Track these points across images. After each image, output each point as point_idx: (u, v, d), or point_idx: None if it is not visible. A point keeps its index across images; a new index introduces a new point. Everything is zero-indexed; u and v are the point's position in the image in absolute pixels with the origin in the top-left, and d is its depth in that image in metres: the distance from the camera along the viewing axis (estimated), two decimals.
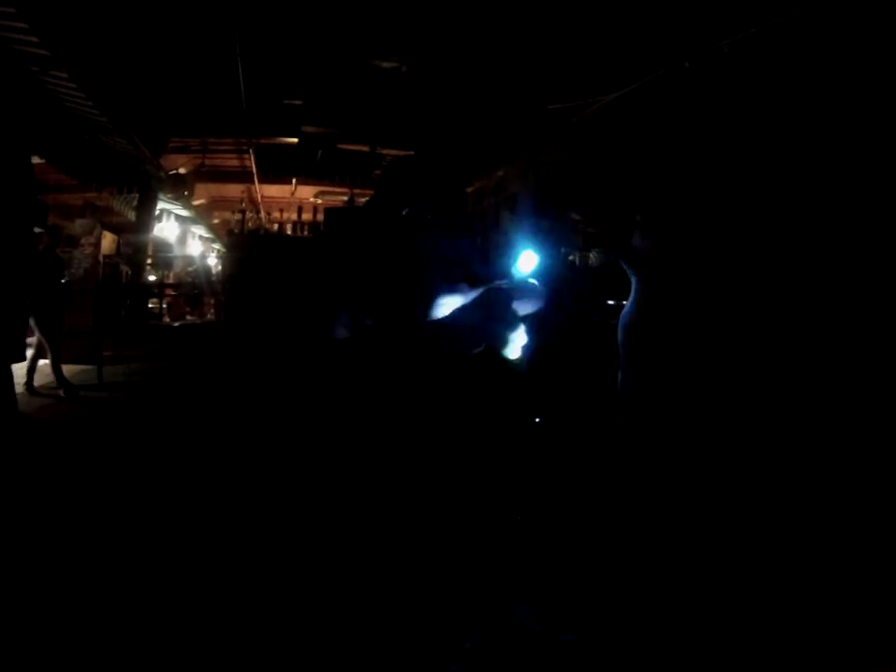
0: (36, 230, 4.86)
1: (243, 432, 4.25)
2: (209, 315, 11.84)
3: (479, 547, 2.43)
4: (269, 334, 5.85)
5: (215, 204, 13.55)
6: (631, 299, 2.56)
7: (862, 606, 1.96)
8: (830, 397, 2.97)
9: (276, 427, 4.27)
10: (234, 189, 12.15)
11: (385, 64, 7.32)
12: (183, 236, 13.33)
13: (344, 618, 1.98)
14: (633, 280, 2.55)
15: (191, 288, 12.12)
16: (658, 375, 2.41)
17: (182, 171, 10.53)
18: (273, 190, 12.15)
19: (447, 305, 2.82)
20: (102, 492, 3.11)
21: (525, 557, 2.35)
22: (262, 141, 9.60)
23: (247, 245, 8.44)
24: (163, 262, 12.27)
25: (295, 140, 9.69)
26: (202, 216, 13.66)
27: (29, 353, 5.50)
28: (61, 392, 5.35)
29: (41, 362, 5.60)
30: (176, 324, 10.46)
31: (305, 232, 12.93)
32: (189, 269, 13.28)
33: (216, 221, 15.11)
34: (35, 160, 6.16)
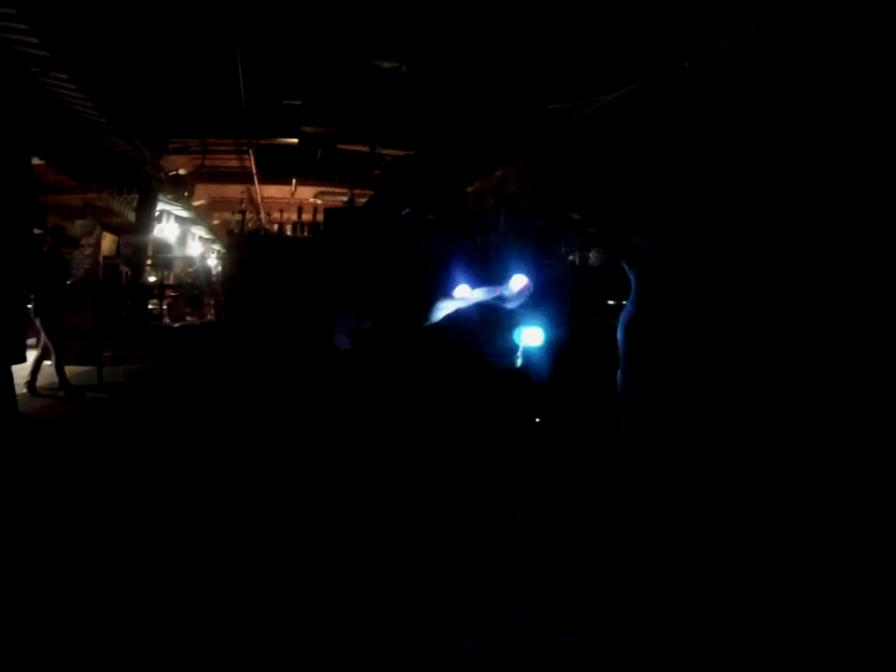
0: (37, 231, 4.87)
1: (243, 432, 4.25)
2: (209, 316, 11.85)
3: (479, 547, 2.43)
4: (269, 335, 5.85)
5: (215, 205, 13.56)
6: (630, 298, 2.56)
7: (863, 606, 1.96)
8: (829, 395, 2.97)
9: (276, 426, 4.28)
10: (234, 190, 12.16)
11: (385, 64, 7.32)
12: (183, 237, 13.34)
13: (345, 617, 1.99)
14: (632, 280, 2.55)
15: (191, 289, 12.14)
16: (657, 374, 2.41)
17: (182, 171, 10.54)
18: (273, 191, 12.15)
19: (445, 309, 2.83)
20: (101, 493, 3.11)
21: (524, 557, 2.35)
22: (262, 141, 9.61)
23: (247, 245, 8.43)
24: (163, 263, 12.28)
25: (295, 140, 9.69)
26: (201, 216, 13.67)
27: (33, 354, 5.53)
28: (62, 393, 5.35)
29: (43, 362, 5.62)
30: (176, 325, 10.48)
31: (305, 233, 12.93)
32: (189, 270, 13.30)
33: (215, 222, 15.13)
34: (35, 161, 6.17)
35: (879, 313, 3.00)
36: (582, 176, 7.05)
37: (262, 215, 14.20)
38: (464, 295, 3.03)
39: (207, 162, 10.40)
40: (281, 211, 13.92)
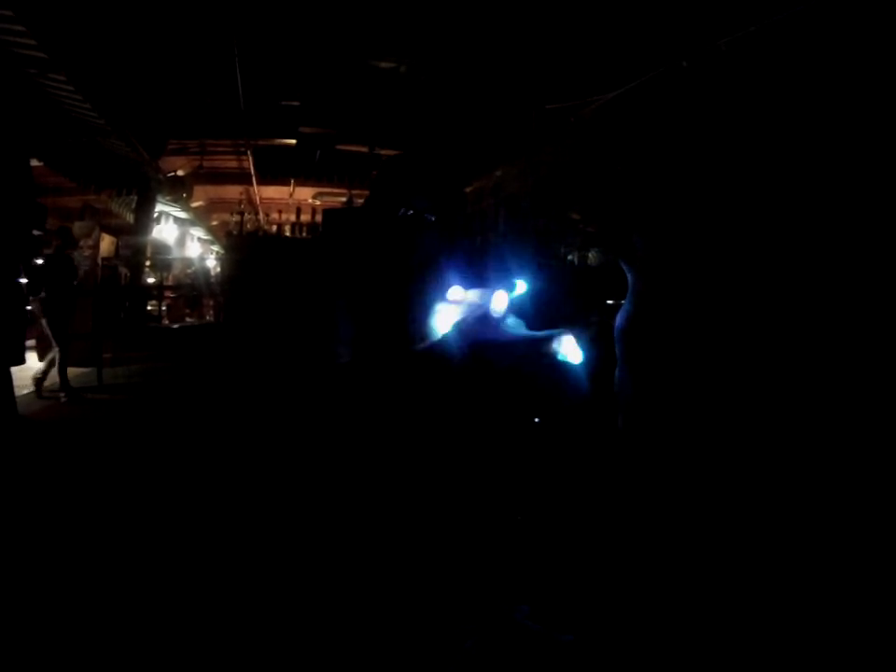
0: (36, 232, 4.86)
1: (242, 433, 4.25)
2: (208, 317, 11.85)
3: (479, 547, 2.43)
4: (268, 336, 5.85)
5: (213, 206, 13.56)
6: (629, 298, 2.56)
7: (864, 606, 1.96)
8: (828, 394, 2.97)
9: (276, 428, 4.28)
10: (233, 191, 12.15)
11: (383, 65, 7.32)
12: (182, 238, 13.34)
13: (346, 617, 1.99)
14: (630, 279, 2.56)
15: (190, 290, 12.13)
16: (656, 374, 2.41)
17: (180, 173, 10.54)
18: (272, 192, 12.15)
19: (442, 313, 2.83)
20: (101, 493, 3.11)
21: (524, 557, 2.35)
22: (260, 142, 9.61)
23: (246, 246, 8.42)
24: (162, 264, 12.27)
25: (293, 141, 9.69)
26: (200, 217, 13.66)
27: (39, 356, 5.52)
28: (62, 395, 5.35)
29: (42, 364, 5.61)
30: (176, 326, 10.47)
31: (304, 234, 12.93)
32: (188, 271, 13.29)
33: (214, 223, 15.13)
34: (34, 162, 6.17)
35: (878, 312, 3.00)
36: (581, 176, 7.06)
37: (261, 215, 14.20)
38: (457, 297, 3.03)
39: (206, 163, 10.40)
40: (280, 212, 13.93)
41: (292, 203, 12.69)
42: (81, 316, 6.98)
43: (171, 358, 7.87)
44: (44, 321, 5.35)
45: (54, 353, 5.47)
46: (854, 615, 1.90)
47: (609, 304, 5.16)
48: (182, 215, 12.35)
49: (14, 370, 3.95)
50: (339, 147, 9.85)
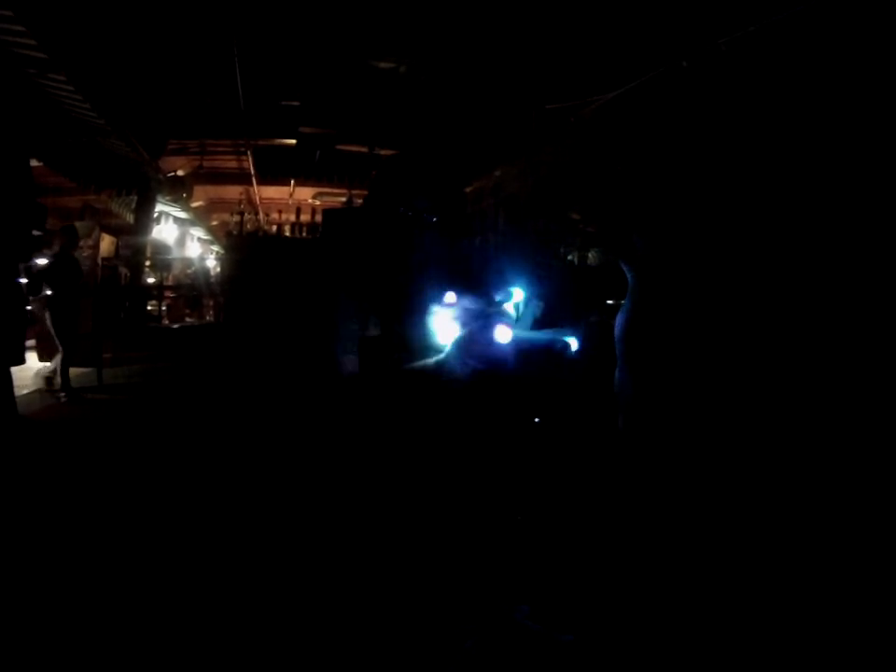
0: (36, 232, 4.85)
1: (242, 433, 4.25)
2: (208, 317, 11.85)
3: (479, 547, 2.43)
4: (268, 335, 5.85)
5: (213, 206, 13.56)
6: (628, 298, 2.56)
7: (864, 606, 1.96)
8: (826, 394, 2.97)
9: (276, 428, 4.28)
10: (233, 191, 12.15)
11: (383, 65, 7.32)
12: (182, 238, 13.34)
13: (346, 617, 1.99)
14: (630, 279, 2.56)
15: (190, 290, 12.13)
16: (655, 373, 2.41)
17: (180, 173, 10.53)
18: (272, 192, 12.15)
19: (439, 316, 2.85)
20: (100, 494, 3.11)
21: (525, 557, 2.35)
22: (260, 142, 9.61)
23: (246, 246, 8.42)
24: (162, 264, 12.27)
25: (293, 141, 9.69)
26: (200, 217, 13.66)
27: (42, 358, 5.51)
28: (63, 395, 5.34)
29: (41, 364, 5.61)
30: (176, 326, 10.47)
31: (304, 234, 12.93)
32: (188, 271, 13.29)
33: (214, 223, 15.12)
34: (34, 162, 6.16)
35: (876, 312, 3.00)
36: (581, 176, 7.06)
37: (261, 216, 14.20)
38: (453, 302, 3.05)
39: (206, 163, 10.40)
40: (279, 212, 13.92)
41: (292, 203, 12.69)
42: (81, 316, 6.98)
43: (171, 358, 7.87)
44: (49, 321, 5.35)
45: (60, 355, 5.49)
46: (854, 615, 1.90)
47: (608, 304, 5.16)
48: (182, 215, 12.35)
49: (14, 370, 3.95)
50: (339, 147, 9.84)
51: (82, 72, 5.29)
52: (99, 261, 8.19)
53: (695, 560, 2.20)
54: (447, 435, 3.08)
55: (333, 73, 7.46)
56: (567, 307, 4.20)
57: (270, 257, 7.08)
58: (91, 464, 3.60)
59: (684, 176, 2.77)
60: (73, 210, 10.45)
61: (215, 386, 6.14)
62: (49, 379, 5.48)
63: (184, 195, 10.85)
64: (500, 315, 3.17)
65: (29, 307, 5.10)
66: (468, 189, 9.72)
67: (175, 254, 12.97)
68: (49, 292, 5.28)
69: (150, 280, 11.47)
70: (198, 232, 14.65)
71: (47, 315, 5.38)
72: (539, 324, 3.52)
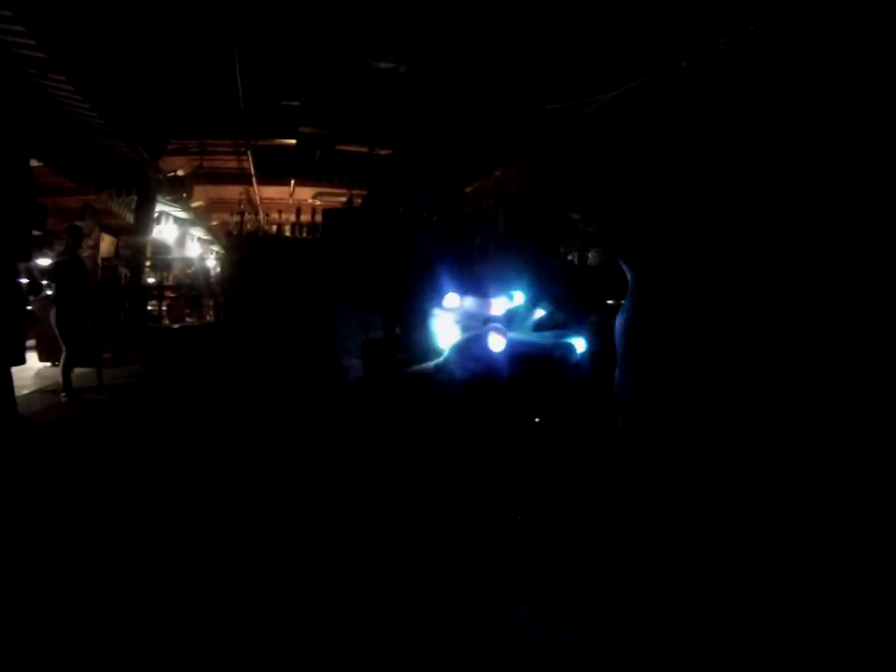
0: (36, 232, 4.85)
1: (242, 433, 4.24)
2: (208, 317, 11.85)
3: (479, 547, 2.43)
4: (268, 336, 5.85)
5: (213, 206, 13.56)
6: (628, 297, 2.56)
7: (864, 607, 1.96)
8: (827, 393, 2.97)
9: (276, 428, 4.28)
10: (233, 191, 12.15)
11: (383, 65, 7.32)
12: (182, 238, 13.34)
13: (346, 617, 1.99)
14: (630, 279, 2.55)
15: (190, 290, 12.13)
16: (656, 374, 2.41)
17: (180, 173, 10.54)
18: (272, 192, 12.15)
19: (439, 318, 2.85)
20: (100, 494, 3.11)
21: (525, 557, 2.35)
22: (260, 142, 9.61)
23: (246, 246, 8.42)
24: (162, 264, 12.27)
25: (293, 141, 9.69)
26: (200, 217, 13.66)
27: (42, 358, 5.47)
28: (63, 395, 5.35)
29: (42, 364, 5.62)
30: (176, 326, 10.47)
31: (304, 234, 12.93)
32: (188, 271, 13.29)
33: (214, 223, 15.12)
34: (34, 163, 6.16)
35: (877, 312, 3.00)
36: (581, 176, 7.05)
37: (261, 216, 14.20)
38: (453, 304, 3.04)
39: (206, 163, 10.40)
40: (280, 212, 13.92)
41: (292, 203, 12.69)
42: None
43: (171, 359, 7.87)
44: (53, 321, 5.35)
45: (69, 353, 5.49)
46: (854, 615, 1.90)
47: (609, 304, 5.16)
48: (182, 215, 12.35)
49: (14, 370, 3.95)
50: (339, 147, 9.84)
51: (82, 72, 5.29)
52: (99, 261, 8.21)
53: (696, 560, 2.20)
54: (446, 437, 3.08)
55: (333, 73, 7.46)
56: (571, 307, 4.20)
57: (270, 257, 7.08)
58: (90, 464, 3.60)
59: (684, 176, 2.76)
60: (73, 210, 10.44)
61: (215, 387, 6.14)
62: (65, 387, 5.42)
63: (184, 195, 10.86)
64: (497, 322, 3.16)
65: (29, 307, 5.10)
66: (468, 189, 9.71)
67: (175, 254, 12.97)
68: (49, 292, 5.29)
69: (150, 280, 11.48)
70: (198, 232, 14.65)
71: (52, 315, 5.38)
72: (543, 325, 3.51)
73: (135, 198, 9.70)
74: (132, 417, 4.94)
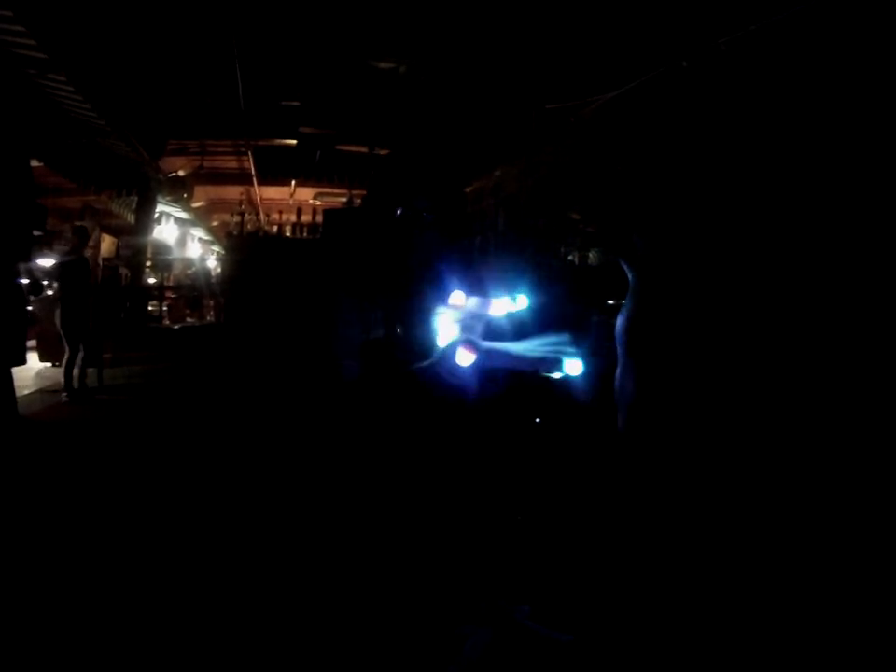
0: (36, 232, 4.85)
1: (242, 433, 4.25)
2: (209, 318, 11.85)
3: (479, 547, 2.43)
4: (268, 336, 5.85)
5: (214, 206, 13.56)
6: (629, 297, 2.56)
7: (864, 607, 1.96)
8: (828, 394, 2.97)
9: (276, 427, 4.28)
10: (233, 191, 12.15)
11: (383, 65, 7.32)
12: (182, 238, 13.34)
13: (346, 617, 1.99)
14: (630, 279, 2.55)
15: (191, 291, 12.14)
16: (656, 374, 2.41)
17: (181, 173, 10.54)
18: (272, 192, 12.15)
19: (443, 316, 2.85)
20: (100, 494, 3.11)
21: (525, 557, 2.35)
22: (261, 142, 9.61)
23: (247, 246, 8.43)
24: (163, 265, 12.29)
25: (293, 141, 9.69)
26: (201, 218, 13.67)
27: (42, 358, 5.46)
28: (64, 395, 5.35)
29: (43, 364, 5.62)
30: (176, 326, 10.47)
31: (304, 234, 12.93)
32: (189, 271, 13.30)
33: (215, 223, 15.13)
34: (34, 163, 6.17)
35: (879, 312, 3.00)
36: (581, 176, 7.05)
37: (261, 216, 14.20)
38: (458, 303, 3.03)
39: (206, 164, 10.40)
40: (280, 212, 13.92)
41: (293, 203, 12.69)
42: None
43: (171, 359, 7.88)
44: (58, 321, 5.36)
45: (80, 353, 5.50)
46: (854, 615, 1.90)
47: (609, 304, 5.16)
48: (182, 215, 12.35)
49: (15, 370, 3.95)
50: (339, 147, 9.84)
51: (82, 72, 5.29)
52: (99, 262, 8.22)
53: (696, 560, 2.20)
54: (446, 437, 3.08)
55: (333, 73, 7.47)
56: (568, 309, 4.19)
57: (270, 257, 7.08)
58: (91, 464, 3.60)
59: (684, 176, 2.76)
60: (73, 210, 10.46)
61: (215, 387, 6.14)
62: (81, 379, 5.50)
63: (184, 195, 10.86)
64: (497, 324, 3.12)
65: (30, 307, 5.10)
66: (468, 189, 9.71)
67: (176, 254, 12.98)
68: (50, 292, 5.29)
69: (151, 280, 11.49)
70: (198, 233, 14.65)
71: (56, 315, 5.38)
72: (533, 329, 3.45)
73: (136, 198, 9.70)
74: (132, 417, 4.95)
